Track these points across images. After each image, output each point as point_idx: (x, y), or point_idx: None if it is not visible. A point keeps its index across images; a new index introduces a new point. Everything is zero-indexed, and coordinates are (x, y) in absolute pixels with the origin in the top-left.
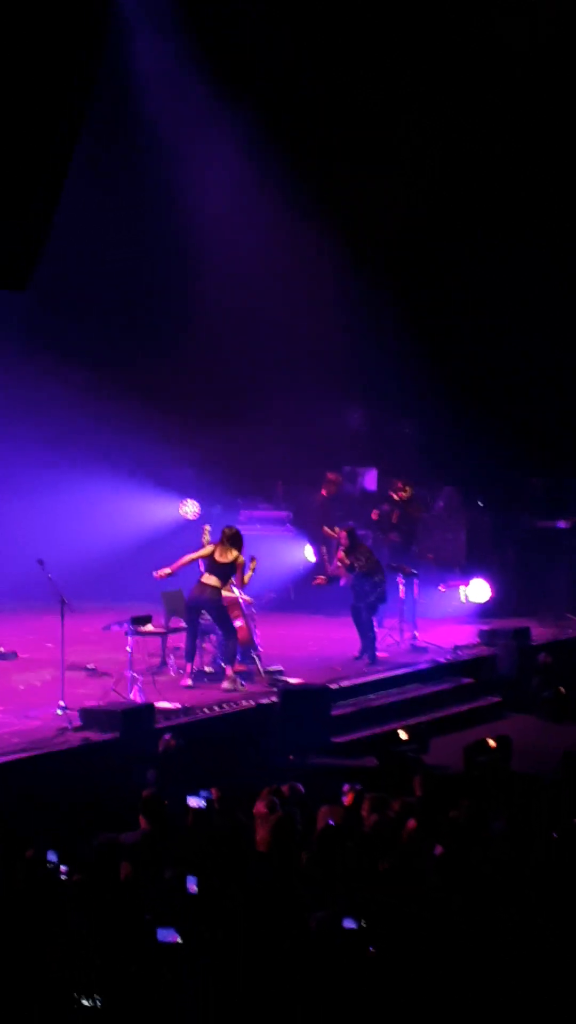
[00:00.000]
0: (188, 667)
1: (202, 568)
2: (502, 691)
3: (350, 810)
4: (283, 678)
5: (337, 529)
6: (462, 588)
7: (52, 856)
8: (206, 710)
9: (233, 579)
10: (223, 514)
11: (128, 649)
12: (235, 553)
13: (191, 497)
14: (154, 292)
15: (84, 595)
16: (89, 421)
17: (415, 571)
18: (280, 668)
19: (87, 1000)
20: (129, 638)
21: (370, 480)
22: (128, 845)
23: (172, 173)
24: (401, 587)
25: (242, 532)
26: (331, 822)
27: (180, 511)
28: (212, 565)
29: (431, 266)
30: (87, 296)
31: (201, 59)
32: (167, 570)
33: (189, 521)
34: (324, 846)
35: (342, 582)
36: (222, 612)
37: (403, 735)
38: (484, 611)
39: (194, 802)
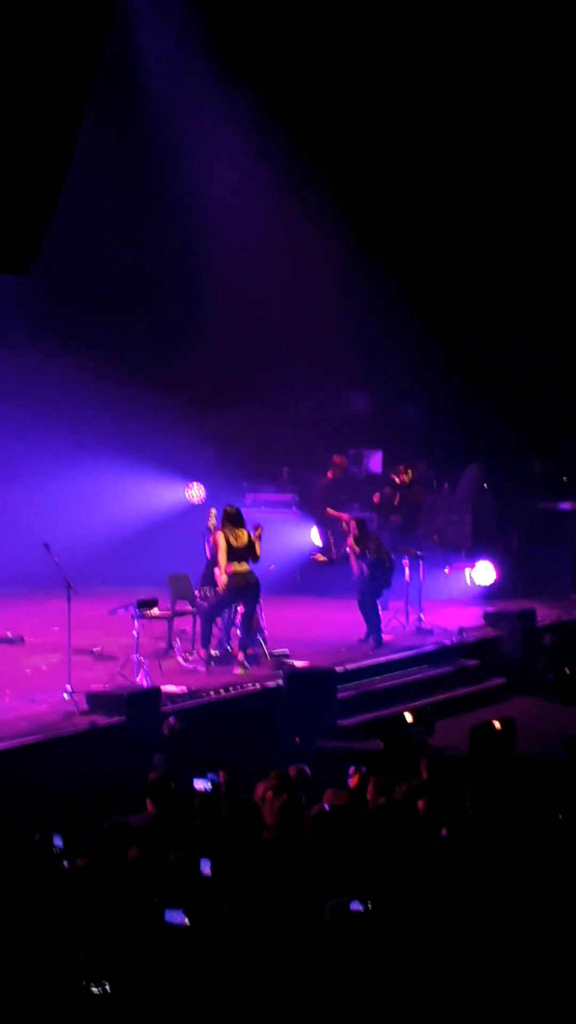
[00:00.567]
0: (203, 652)
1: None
2: (507, 673)
3: (355, 793)
4: (289, 661)
5: (345, 518)
6: (467, 570)
7: (58, 840)
8: (212, 694)
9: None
10: (229, 497)
11: (134, 633)
12: (245, 532)
13: (196, 481)
14: (159, 277)
15: (90, 579)
16: (94, 405)
17: (420, 553)
18: (286, 651)
19: (95, 987)
20: (135, 622)
21: (375, 463)
22: (135, 828)
23: (178, 158)
24: (407, 569)
25: (231, 511)
26: (326, 807)
27: (186, 495)
28: (233, 552)
29: (435, 250)
30: (92, 281)
31: (207, 45)
32: (224, 576)
33: (194, 505)
34: (320, 830)
35: (355, 570)
36: (252, 602)
37: (409, 718)
38: (489, 593)
39: (200, 785)
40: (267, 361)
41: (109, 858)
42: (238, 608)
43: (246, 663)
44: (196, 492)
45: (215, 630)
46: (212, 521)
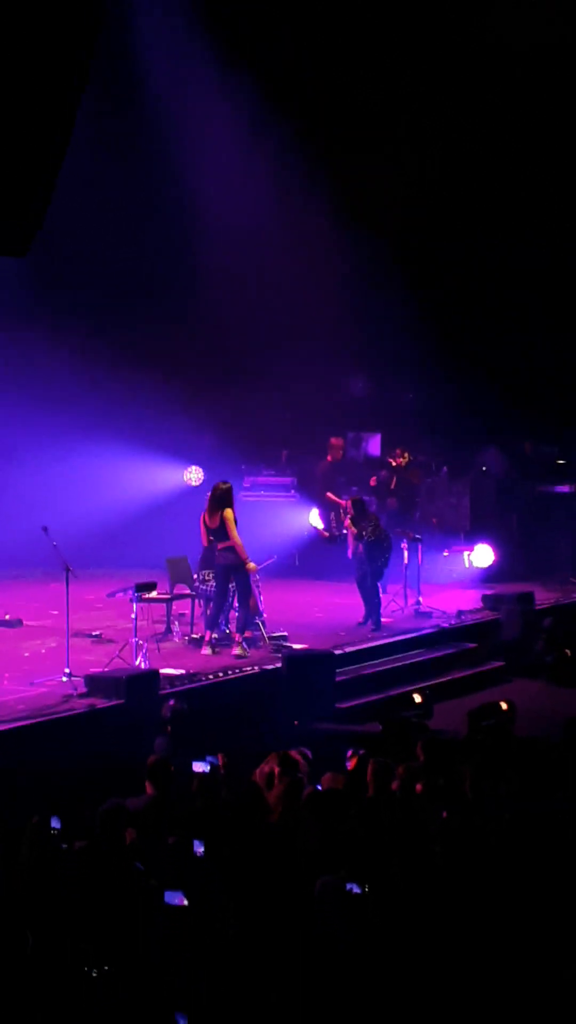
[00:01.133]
0: (208, 635)
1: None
2: (506, 656)
3: (353, 775)
4: (287, 644)
5: (344, 498)
6: (466, 553)
7: (56, 823)
8: (211, 676)
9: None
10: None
11: (133, 616)
12: (218, 513)
13: (195, 463)
14: (158, 259)
15: (89, 562)
16: (93, 388)
17: (419, 536)
18: (284, 634)
19: (94, 970)
20: (134, 605)
21: (374, 446)
22: (134, 811)
23: (176, 140)
24: (405, 552)
25: (223, 487)
26: (319, 787)
27: (184, 477)
28: (208, 531)
29: (433, 233)
30: (89, 264)
31: (206, 32)
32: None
33: (193, 487)
34: (314, 812)
35: (350, 551)
36: (245, 578)
37: (418, 698)
38: (488, 576)
39: (199, 767)
40: (266, 344)
41: (105, 841)
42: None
43: (244, 645)
44: (194, 475)
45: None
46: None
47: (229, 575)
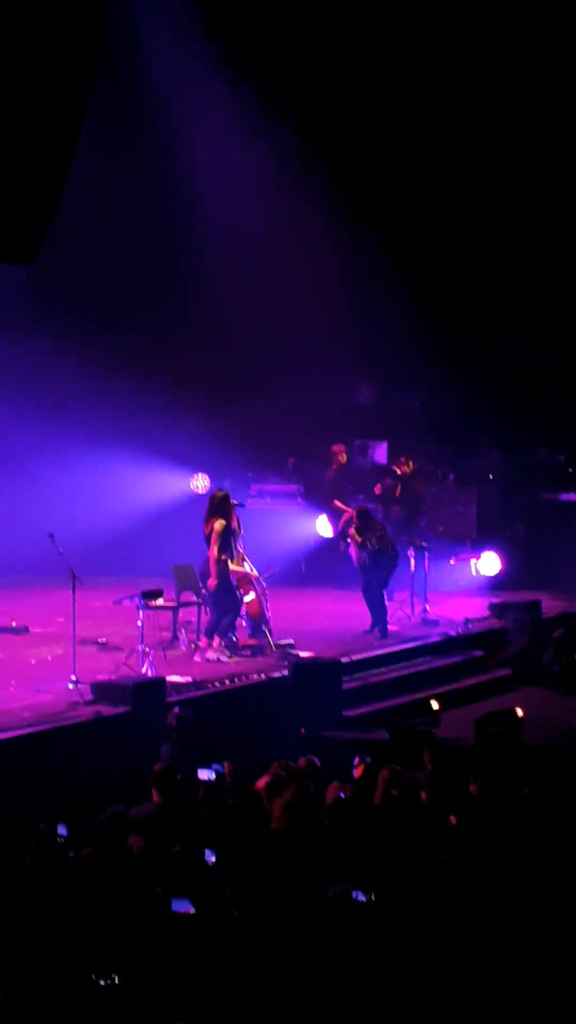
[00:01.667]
0: (204, 642)
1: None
2: (513, 664)
3: (360, 783)
4: (294, 652)
5: (351, 507)
6: (473, 561)
7: (63, 830)
8: (217, 684)
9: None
10: (233, 488)
11: (139, 623)
12: (210, 523)
13: (201, 471)
14: (163, 266)
15: (95, 569)
16: (100, 395)
17: (426, 544)
18: (291, 642)
19: (102, 979)
20: (140, 612)
21: (380, 454)
22: (139, 818)
23: (178, 145)
24: (412, 560)
25: (219, 495)
26: (342, 795)
27: (190, 485)
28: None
29: (438, 240)
30: (97, 272)
31: (207, 33)
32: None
33: (199, 495)
34: (335, 820)
35: (355, 559)
36: (227, 587)
37: (435, 704)
38: (495, 584)
39: (204, 775)
40: (272, 352)
41: (107, 848)
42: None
43: (221, 650)
44: (201, 483)
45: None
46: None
47: (216, 589)
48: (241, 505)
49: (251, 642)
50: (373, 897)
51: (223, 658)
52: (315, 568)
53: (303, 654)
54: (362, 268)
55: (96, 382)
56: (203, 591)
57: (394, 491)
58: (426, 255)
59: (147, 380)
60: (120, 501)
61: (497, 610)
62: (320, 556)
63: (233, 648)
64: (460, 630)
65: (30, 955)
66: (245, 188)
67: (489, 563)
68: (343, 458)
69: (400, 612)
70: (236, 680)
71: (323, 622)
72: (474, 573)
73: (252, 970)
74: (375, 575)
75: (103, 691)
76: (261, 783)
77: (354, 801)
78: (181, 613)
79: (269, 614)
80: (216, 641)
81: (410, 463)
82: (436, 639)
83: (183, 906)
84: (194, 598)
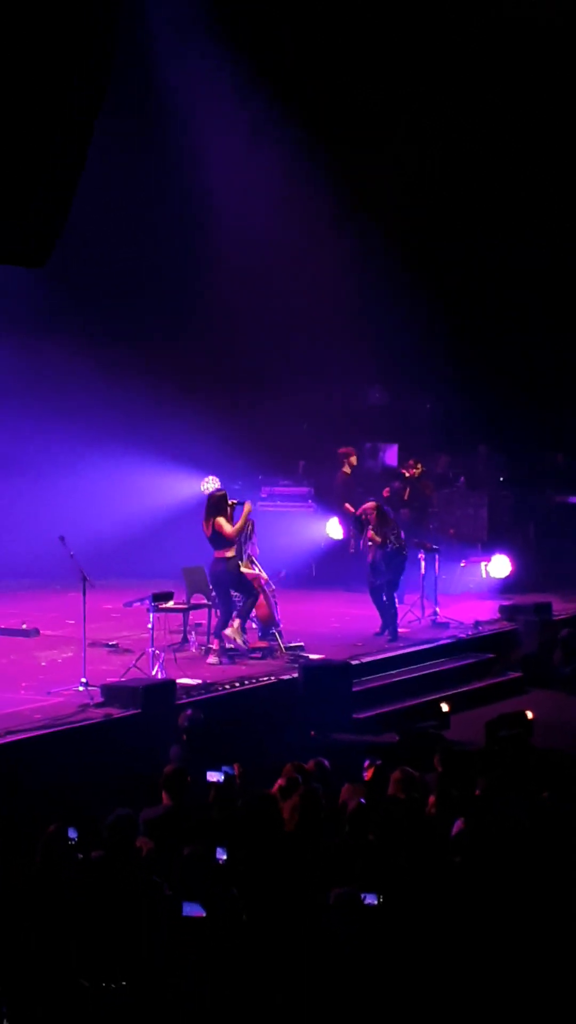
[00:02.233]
0: (216, 643)
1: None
2: (524, 666)
3: (370, 786)
4: (304, 654)
5: (367, 506)
6: (483, 564)
7: (73, 832)
8: (227, 686)
9: (248, 549)
10: (244, 490)
11: (149, 626)
12: (210, 521)
13: (212, 473)
14: (173, 269)
15: (105, 572)
16: (109, 398)
17: (436, 547)
18: (301, 644)
19: (110, 981)
20: (150, 615)
21: (391, 456)
22: (149, 820)
23: (187, 148)
24: (422, 563)
25: (218, 495)
26: (363, 801)
27: (201, 487)
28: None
29: (450, 241)
30: (106, 273)
31: (214, 30)
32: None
33: None
34: (354, 825)
35: (369, 558)
36: (236, 587)
37: (445, 707)
38: (505, 586)
39: (214, 777)
40: (282, 355)
41: (115, 851)
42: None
43: (222, 654)
44: (211, 484)
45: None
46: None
47: (224, 585)
48: (241, 503)
49: (261, 644)
50: (382, 899)
51: (238, 640)
52: (325, 570)
53: (313, 656)
54: (373, 270)
55: (106, 385)
56: (212, 593)
57: (403, 494)
58: (437, 257)
59: (157, 382)
60: (130, 503)
61: (507, 613)
62: (330, 558)
63: (243, 651)
64: (470, 633)
65: (39, 956)
66: (255, 190)
67: (500, 566)
68: (353, 461)
69: (410, 615)
70: (246, 682)
71: (333, 624)
72: (484, 576)
73: (260, 972)
74: (385, 577)
75: (113, 693)
76: (275, 788)
77: (364, 804)
78: (191, 615)
79: (279, 617)
80: (236, 623)
81: (419, 466)
82: (446, 642)
83: (193, 909)
84: (204, 600)
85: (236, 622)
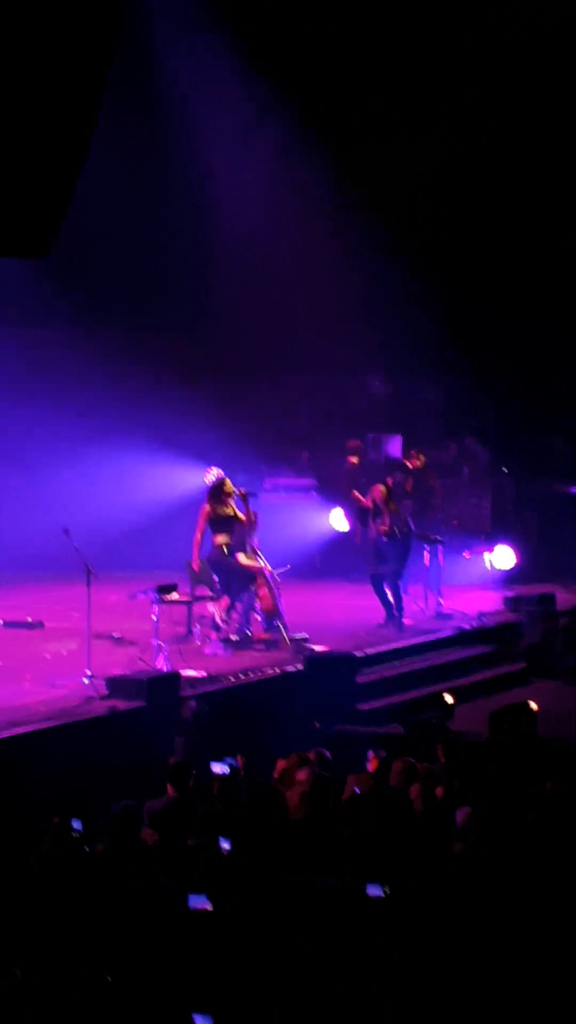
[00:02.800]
0: (213, 635)
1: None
2: (527, 657)
3: (375, 776)
4: (308, 645)
5: (377, 491)
6: (486, 554)
7: (77, 824)
8: (231, 678)
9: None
10: (247, 482)
11: (153, 618)
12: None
13: (215, 465)
14: (174, 260)
15: (109, 564)
16: (112, 391)
17: (440, 538)
18: (305, 636)
19: (114, 973)
20: (155, 607)
21: (395, 447)
22: (154, 812)
23: (188, 137)
24: (426, 554)
25: (218, 485)
26: (356, 790)
27: (204, 479)
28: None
29: (453, 229)
30: (107, 266)
31: (218, 21)
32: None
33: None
34: (351, 812)
35: (373, 546)
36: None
37: (449, 699)
38: (509, 577)
39: (218, 768)
40: (285, 345)
41: (120, 843)
42: (258, 591)
43: (221, 645)
44: (214, 476)
45: (233, 614)
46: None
47: (222, 572)
48: (253, 494)
49: (265, 636)
50: (387, 890)
51: (221, 652)
52: (329, 562)
53: (317, 648)
54: (375, 260)
55: (109, 377)
56: (216, 585)
57: (405, 485)
58: (440, 246)
59: (160, 374)
60: (134, 495)
61: (511, 603)
62: (335, 550)
63: (247, 642)
64: (474, 624)
65: (43, 947)
66: (257, 180)
67: (503, 556)
68: (356, 459)
69: (414, 606)
70: (250, 674)
71: (337, 616)
72: (488, 567)
73: (265, 963)
74: (391, 566)
75: (118, 685)
76: (278, 773)
77: (368, 794)
78: (195, 607)
79: (283, 608)
80: (213, 637)
81: (421, 457)
82: (450, 633)
83: (198, 901)
84: (208, 592)
85: (214, 635)
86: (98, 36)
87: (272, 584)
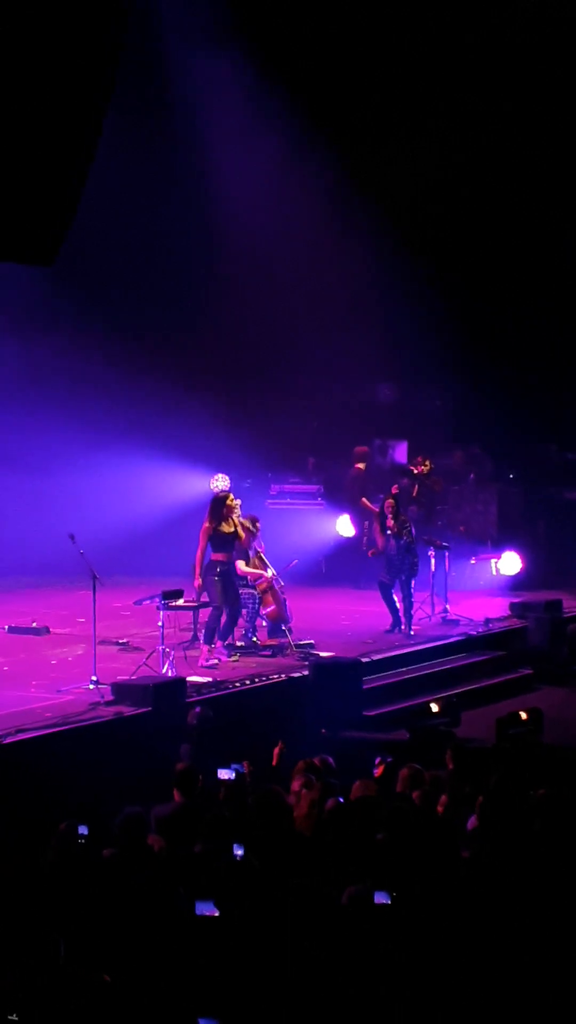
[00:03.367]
0: (219, 644)
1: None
2: (534, 663)
3: (380, 783)
4: (314, 652)
5: (377, 509)
6: (493, 561)
7: (83, 830)
8: (237, 684)
9: (255, 545)
10: (254, 488)
11: (159, 624)
12: (204, 522)
13: (222, 471)
14: (181, 265)
15: (115, 570)
16: (119, 396)
17: (446, 544)
18: (311, 642)
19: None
20: (160, 613)
21: (400, 453)
22: (161, 818)
23: (195, 141)
24: (432, 560)
25: (219, 500)
26: (340, 800)
27: (211, 485)
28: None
29: (460, 237)
30: (115, 270)
31: (224, 24)
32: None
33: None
34: (338, 823)
35: (389, 549)
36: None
37: (435, 707)
38: (515, 583)
39: (225, 774)
40: (292, 352)
41: (126, 849)
42: (263, 599)
43: (214, 656)
44: (221, 483)
45: (240, 620)
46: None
47: (220, 581)
48: (257, 519)
49: (272, 642)
50: (394, 897)
51: (224, 658)
52: (335, 568)
53: (323, 654)
54: (383, 266)
55: (115, 383)
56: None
57: (411, 491)
58: (448, 252)
59: (167, 380)
60: (141, 501)
61: (518, 609)
62: (341, 556)
63: (253, 648)
64: (480, 630)
65: (50, 953)
66: (263, 186)
67: (510, 562)
68: (363, 465)
69: (421, 612)
70: (256, 680)
71: (343, 622)
72: (495, 572)
73: (271, 967)
74: (402, 573)
75: (124, 691)
76: (295, 785)
77: (375, 800)
78: (201, 613)
79: (289, 614)
80: (218, 644)
81: (427, 462)
82: (457, 639)
83: (205, 907)
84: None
85: (218, 644)
86: (103, 40)
87: (278, 591)
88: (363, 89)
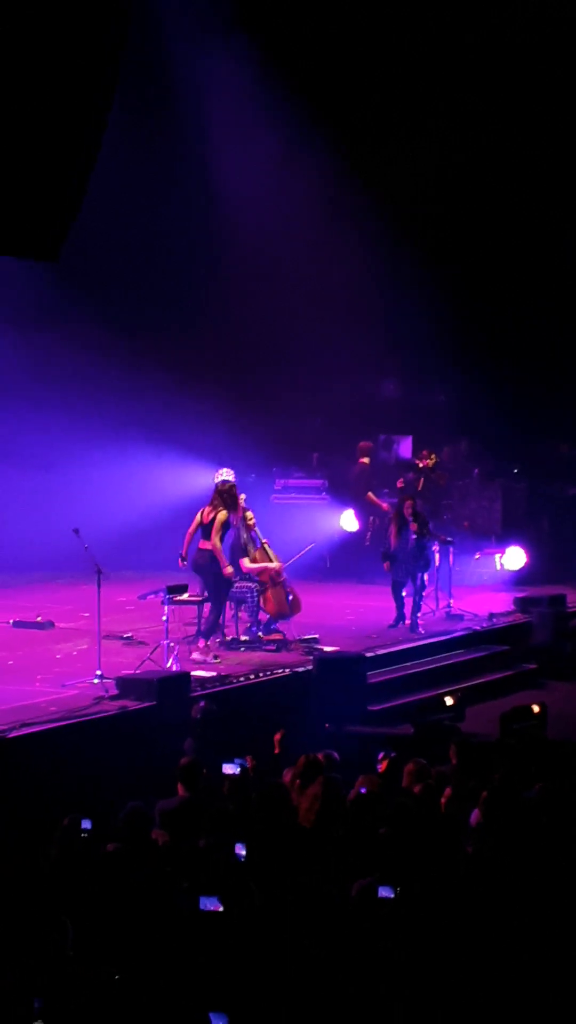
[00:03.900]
0: (202, 643)
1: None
2: (538, 658)
3: (384, 777)
4: (318, 646)
5: (385, 506)
6: (497, 556)
7: (87, 824)
8: (241, 678)
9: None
10: (258, 483)
11: (164, 618)
12: (217, 511)
13: (226, 466)
14: (185, 260)
15: (120, 564)
16: (124, 391)
17: (451, 539)
18: (315, 636)
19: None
20: (165, 607)
21: (405, 448)
22: (165, 813)
23: (198, 136)
24: (436, 555)
25: (229, 489)
26: (363, 791)
27: (215, 480)
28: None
29: (465, 233)
30: (118, 265)
31: (229, 14)
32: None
33: None
34: (358, 815)
35: (393, 541)
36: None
37: (449, 700)
38: (519, 579)
39: (229, 769)
40: (296, 346)
41: (130, 843)
42: (263, 593)
43: (209, 651)
44: (226, 475)
45: (243, 615)
46: (241, 504)
47: (208, 576)
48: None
49: (276, 636)
50: (398, 891)
51: (208, 660)
52: (339, 563)
53: (327, 648)
54: (387, 260)
55: (120, 377)
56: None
57: (416, 485)
58: (452, 247)
59: (171, 375)
60: (145, 496)
61: (522, 605)
62: (344, 551)
63: (257, 643)
64: (485, 625)
65: (55, 948)
66: (266, 181)
67: (514, 558)
68: (367, 460)
69: (425, 607)
70: (260, 675)
71: (347, 617)
72: (499, 568)
73: (277, 963)
74: (418, 569)
75: (128, 686)
76: (287, 777)
77: (379, 795)
78: (205, 608)
79: (292, 607)
80: (201, 643)
81: (432, 457)
82: (461, 634)
83: (209, 902)
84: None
85: (201, 643)
86: (107, 35)
87: (281, 582)
88: (364, 87)
